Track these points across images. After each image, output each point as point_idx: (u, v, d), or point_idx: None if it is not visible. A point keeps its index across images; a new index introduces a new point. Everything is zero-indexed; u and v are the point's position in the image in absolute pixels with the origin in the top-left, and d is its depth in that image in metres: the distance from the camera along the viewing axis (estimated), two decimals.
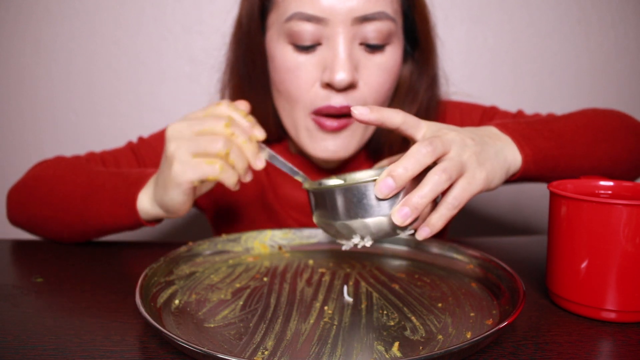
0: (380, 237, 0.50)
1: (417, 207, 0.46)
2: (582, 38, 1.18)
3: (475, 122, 0.82)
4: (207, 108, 0.59)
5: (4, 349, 0.45)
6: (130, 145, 0.84)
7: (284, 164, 0.59)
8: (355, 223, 0.49)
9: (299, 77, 0.68)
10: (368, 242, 0.51)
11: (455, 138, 0.51)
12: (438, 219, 0.49)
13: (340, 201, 0.49)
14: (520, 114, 0.82)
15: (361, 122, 0.50)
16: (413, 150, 0.47)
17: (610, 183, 0.57)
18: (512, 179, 0.60)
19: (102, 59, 1.10)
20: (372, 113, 0.49)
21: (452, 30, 1.09)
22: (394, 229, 0.49)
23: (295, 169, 0.59)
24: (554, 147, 0.62)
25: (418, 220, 0.50)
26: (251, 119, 0.59)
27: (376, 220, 0.48)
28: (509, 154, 0.57)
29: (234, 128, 0.56)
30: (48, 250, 0.73)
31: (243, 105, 0.61)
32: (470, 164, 0.50)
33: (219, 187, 0.81)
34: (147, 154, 0.82)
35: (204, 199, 0.84)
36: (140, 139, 0.85)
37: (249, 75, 0.75)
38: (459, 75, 1.11)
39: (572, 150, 0.64)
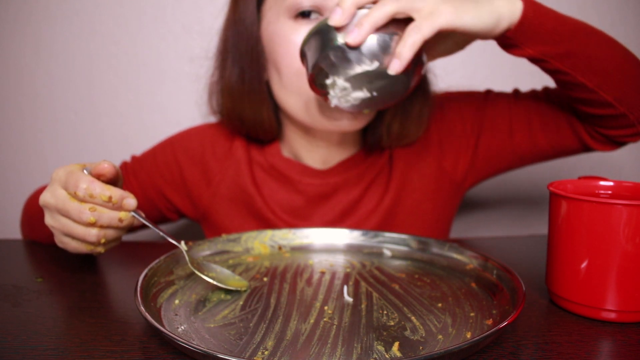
0: (348, 73, 0.56)
1: (361, 22, 0.53)
2: None
3: (473, 109, 0.80)
4: (68, 180, 0.55)
5: (4, 349, 0.45)
6: (121, 167, 0.84)
7: (158, 229, 0.57)
8: (321, 58, 0.56)
9: None
10: (340, 82, 0.57)
11: None
12: (402, 47, 0.53)
13: (314, 45, 0.57)
14: (515, 92, 0.81)
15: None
16: None
17: (610, 183, 0.57)
18: (511, 33, 0.60)
19: (102, 59, 1.10)
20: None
21: None
22: (358, 60, 0.55)
23: (168, 236, 0.58)
24: (560, 20, 0.61)
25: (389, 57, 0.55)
26: (115, 191, 0.55)
27: (336, 48, 0.55)
28: (500, 4, 0.58)
29: (97, 214, 0.54)
30: (48, 250, 0.73)
31: (106, 164, 0.56)
32: (432, 2, 0.54)
33: (204, 199, 0.82)
34: (135, 175, 0.83)
35: (192, 211, 0.84)
36: (133, 159, 0.85)
37: (242, 70, 0.74)
38: (459, 75, 1.11)
39: (578, 33, 0.62)
